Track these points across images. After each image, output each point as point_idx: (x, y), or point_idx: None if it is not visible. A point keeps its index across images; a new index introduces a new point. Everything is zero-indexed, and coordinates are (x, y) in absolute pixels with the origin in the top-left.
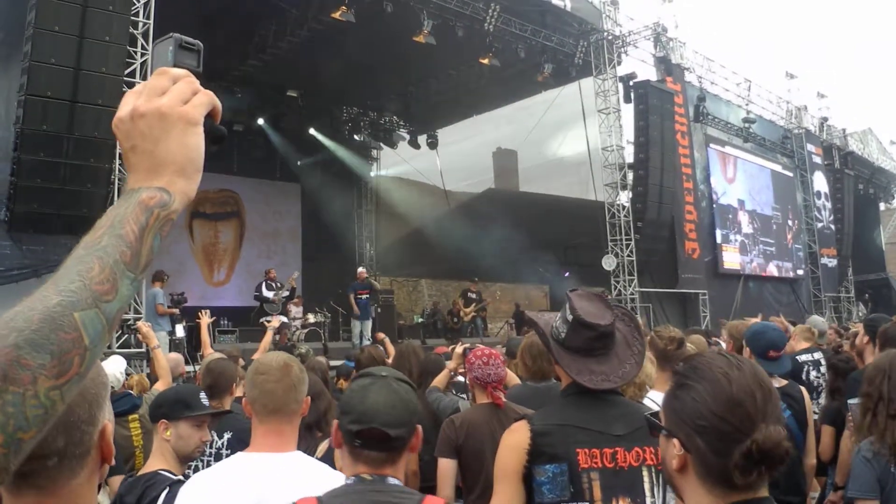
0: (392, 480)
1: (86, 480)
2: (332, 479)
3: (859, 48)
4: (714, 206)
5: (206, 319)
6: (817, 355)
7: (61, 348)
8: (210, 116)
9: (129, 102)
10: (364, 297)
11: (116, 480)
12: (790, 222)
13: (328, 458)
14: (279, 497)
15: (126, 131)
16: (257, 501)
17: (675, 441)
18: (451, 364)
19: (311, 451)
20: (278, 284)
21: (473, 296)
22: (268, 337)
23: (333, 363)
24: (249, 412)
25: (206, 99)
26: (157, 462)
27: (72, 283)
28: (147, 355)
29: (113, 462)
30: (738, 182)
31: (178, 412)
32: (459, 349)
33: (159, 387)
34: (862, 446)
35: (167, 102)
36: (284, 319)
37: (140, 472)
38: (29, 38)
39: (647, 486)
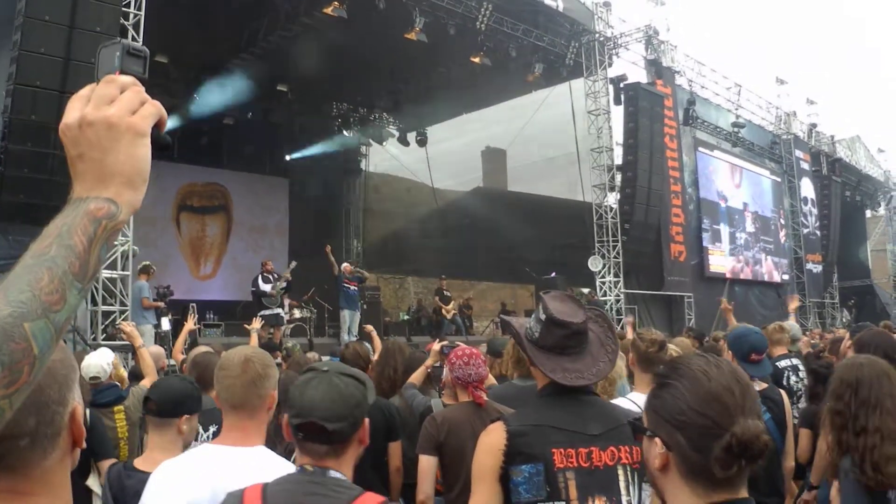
0: (333, 473)
1: (58, 462)
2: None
3: (849, 55)
4: (718, 211)
5: (189, 325)
6: (795, 361)
7: (12, 358)
8: (156, 126)
9: (76, 108)
10: (353, 288)
11: (107, 464)
12: (781, 220)
13: None
14: (235, 484)
15: (73, 138)
16: (213, 491)
17: (657, 440)
18: (427, 361)
19: (291, 450)
20: (275, 276)
21: (447, 293)
22: (253, 340)
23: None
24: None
25: (154, 110)
26: (164, 456)
27: (22, 294)
28: (132, 350)
29: (84, 445)
30: (743, 188)
31: (196, 406)
32: (437, 346)
33: (146, 383)
34: (847, 465)
35: (116, 112)
36: (280, 312)
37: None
38: (18, 26)
39: (622, 484)
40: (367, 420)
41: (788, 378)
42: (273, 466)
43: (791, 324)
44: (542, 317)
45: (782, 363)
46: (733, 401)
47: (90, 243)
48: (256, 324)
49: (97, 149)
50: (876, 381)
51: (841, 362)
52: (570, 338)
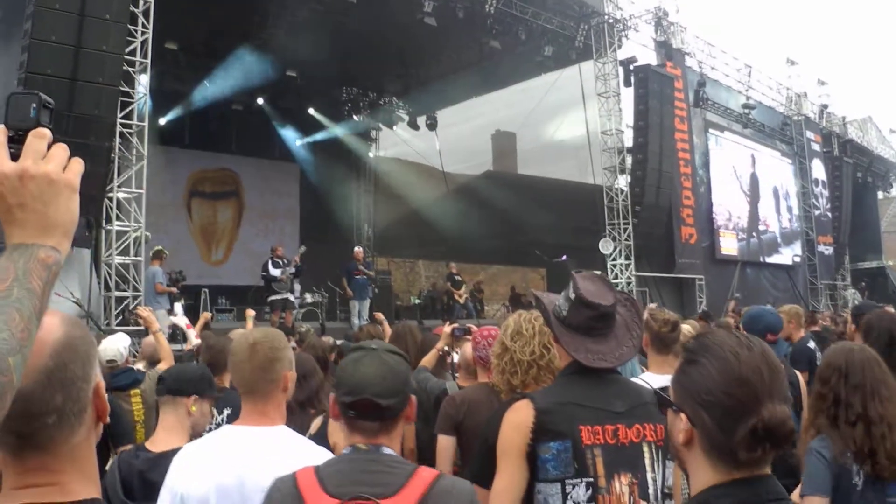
0: (386, 450)
1: (84, 439)
2: (315, 453)
3: (861, 36)
4: (729, 192)
5: (203, 320)
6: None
7: (2, 390)
8: None
9: (3, 156)
10: (362, 276)
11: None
12: (792, 202)
13: (321, 435)
14: (260, 468)
15: (13, 188)
16: (239, 472)
17: (683, 416)
18: (439, 344)
19: (304, 428)
20: (285, 261)
21: (459, 278)
22: (249, 326)
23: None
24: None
25: (80, 167)
26: (175, 438)
27: (1, 332)
28: (145, 335)
29: (108, 420)
30: (754, 169)
31: (206, 389)
32: (448, 329)
33: (163, 367)
34: (814, 444)
35: (54, 168)
36: (290, 296)
37: (160, 450)
38: (29, 15)
39: (647, 461)
40: (414, 397)
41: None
42: (297, 445)
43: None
44: (572, 296)
45: (811, 344)
46: (762, 384)
47: (45, 287)
48: (252, 312)
49: (39, 201)
50: (867, 366)
51: (831, 347)
52: (596, 319)
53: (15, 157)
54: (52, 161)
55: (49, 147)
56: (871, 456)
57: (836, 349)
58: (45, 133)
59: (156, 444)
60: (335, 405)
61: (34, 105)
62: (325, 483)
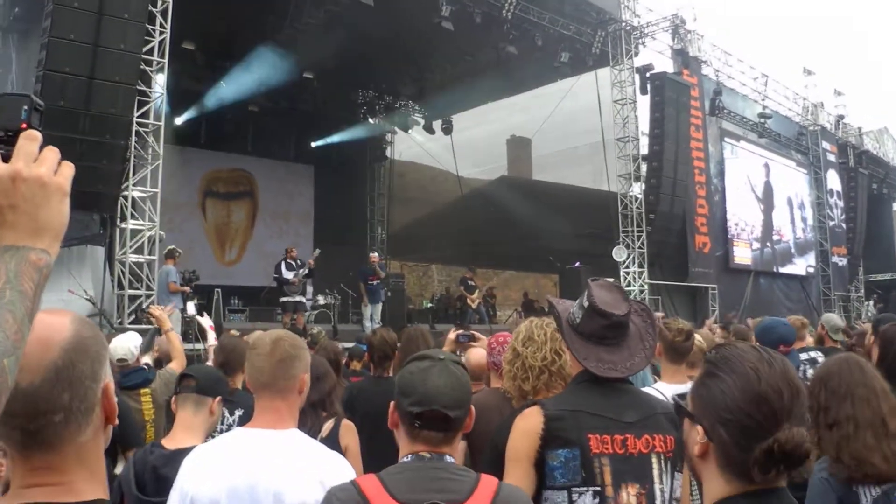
0: (449, 459)
1: (91, 439)
2: (328, 457)
3: (878, 47)
4: (743, 202)
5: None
6: (814, 353)
7: None
8: None
9: None
10: (375, 281)
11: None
12: (807, 212)
13: (332, 438)
14: (272, 472)
15: (5, 190)
16: (250, 476)
17: (699, 428)
18: (444, 349)
19: (315, 430)
20: (298, 263)
21: (473, 283)
22: None
23: (345, 345)
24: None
25: (70, 171)
26: (193, 437)
27: None
28: (158, 334)
29: (116, 422)
30: (768, 179)
31: (226, 391)
32: (452, 335)
33: (173, 366)
34: (817, 466)
35: (46, 172)
36: (302, 299)
37: (174, 448)
38: (49, 13)
39: (655, 472)
40: (473, 407)
41: (805, 372)
42: (310, 449)
43: (831, 316)
44: (585, 304)
45: (802, 356)
46: (781, 404)
47: (36, 289)
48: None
49: (31, 204)
50: (847, 371)
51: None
52: (609, 328)
53: (5, 158)
54: (44, 164)
55: (40, 150)
56: (838, 458)
57: (823, 364)
58: (37, 135)
59: (173, 442)
60: (396, 413)
61: (25, 107)
62: (393, 490)
